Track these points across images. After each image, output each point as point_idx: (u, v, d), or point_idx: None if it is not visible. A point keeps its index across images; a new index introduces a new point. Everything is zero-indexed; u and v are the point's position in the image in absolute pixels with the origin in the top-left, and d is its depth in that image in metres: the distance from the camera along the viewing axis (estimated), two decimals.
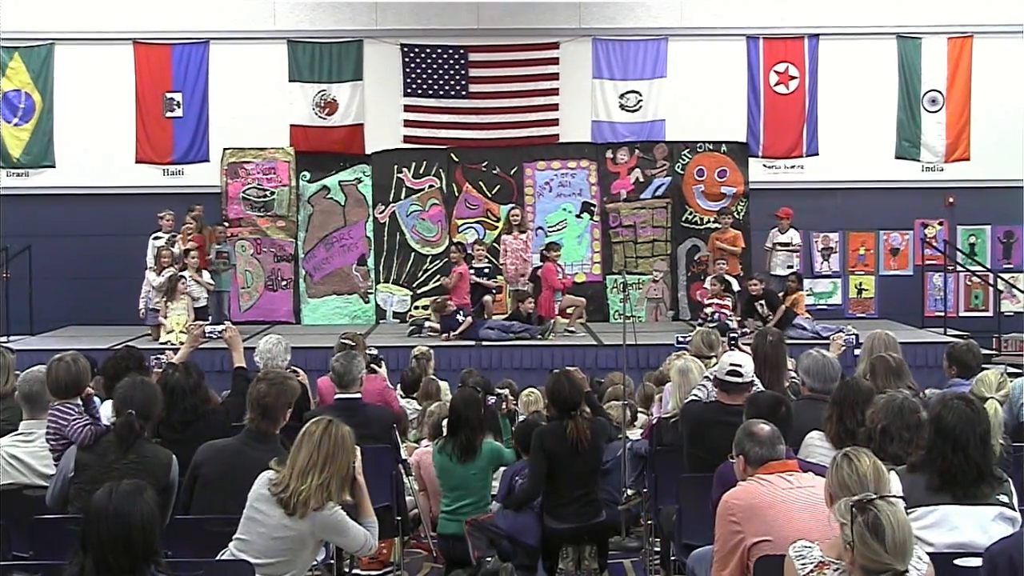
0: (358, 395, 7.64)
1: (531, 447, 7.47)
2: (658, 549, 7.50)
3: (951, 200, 17.88)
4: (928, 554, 4.47)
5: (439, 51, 17.78)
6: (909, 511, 4.70)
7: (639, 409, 10.01)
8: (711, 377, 6.97)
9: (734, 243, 16.73)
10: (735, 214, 17.38)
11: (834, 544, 4.04)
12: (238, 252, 17.53)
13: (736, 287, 16.03)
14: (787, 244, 16.71)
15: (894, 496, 4.02)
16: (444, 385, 11.23)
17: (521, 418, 9.58)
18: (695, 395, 7.13)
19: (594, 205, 17.99)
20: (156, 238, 15.79)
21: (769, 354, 7.61)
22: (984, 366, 7.88)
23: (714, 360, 7.58)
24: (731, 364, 6.67)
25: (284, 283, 17.73)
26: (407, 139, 17.94)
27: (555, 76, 17.86)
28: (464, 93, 17.81)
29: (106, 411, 6.42)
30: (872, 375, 7.08)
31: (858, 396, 5.92)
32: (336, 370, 7.61)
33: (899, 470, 5.00)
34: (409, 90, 17.83)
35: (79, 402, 6.32)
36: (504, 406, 7.89)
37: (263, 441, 5.71)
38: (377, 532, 5.26)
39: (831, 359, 7.10)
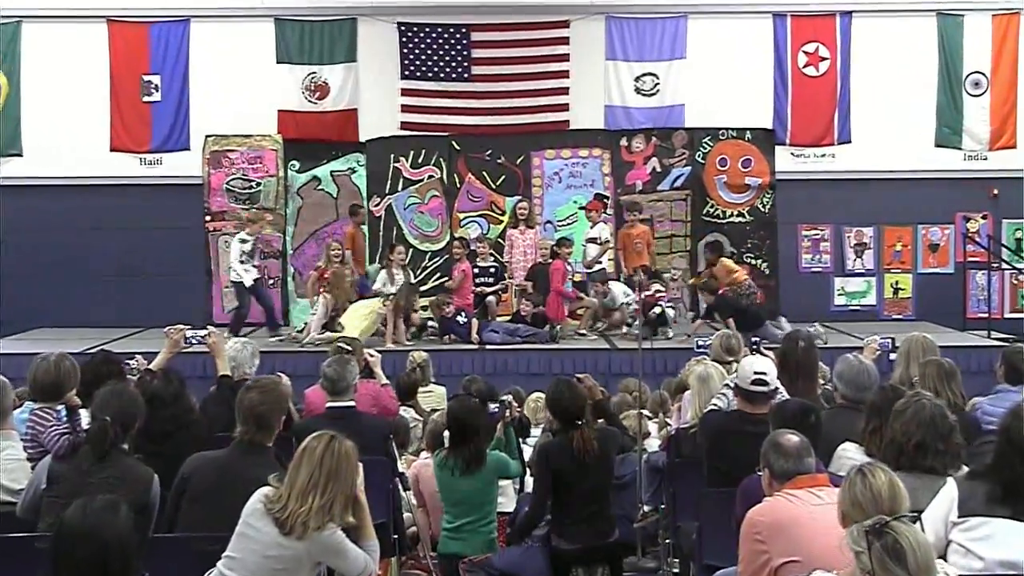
0: (351, 403, 7.67)
1: (535, 464, 7.48)
2: (677, 570, 7.51)
3: (995, 191, 17.86)
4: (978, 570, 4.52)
5: (439, 30, 17.79)
6: (961, 520, 4.76)
7: (647, 414, 10.01)
8: (731, 385, 6.99)
9: (646, 239, 16.64)
10: (642, 210, 17.26)
11: (851, 574, 4.07)
12: (222, 248, 17.58)
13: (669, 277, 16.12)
14: (595, 239, 16.47)
15: (909, 515, 4.06)
16: (441, 391, 11.29)
17: (536, 431, 9.61)
18: (714, 404, 7.15)
19: (607, 197, 17.97)
20: (243, 241, 15.53)
21: (801, 360, 7.62)
22: None
23: (734, 365, 7.58)
24: (755, 373, 6.67)
25: (271, 282, 17.67)
26: (404, 125, 17.94)
27: (565, 57, 17.86)
28: (466, 76, 17.81)
29: (86, 420, 6.43)
30: (921, 380, 7.08)
31: None
32: (328, 376, 7.63)
33: (958, 477, 5.06)
34: (407, 72, 17.83)
35: (59, 408, 6.35)
36: (508, 414, 7.87)
37: (256, 453, 5.73)
38: (378, 556, 5.28)
39: (867, 365, 7.10)
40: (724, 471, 6.42)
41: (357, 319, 14.81)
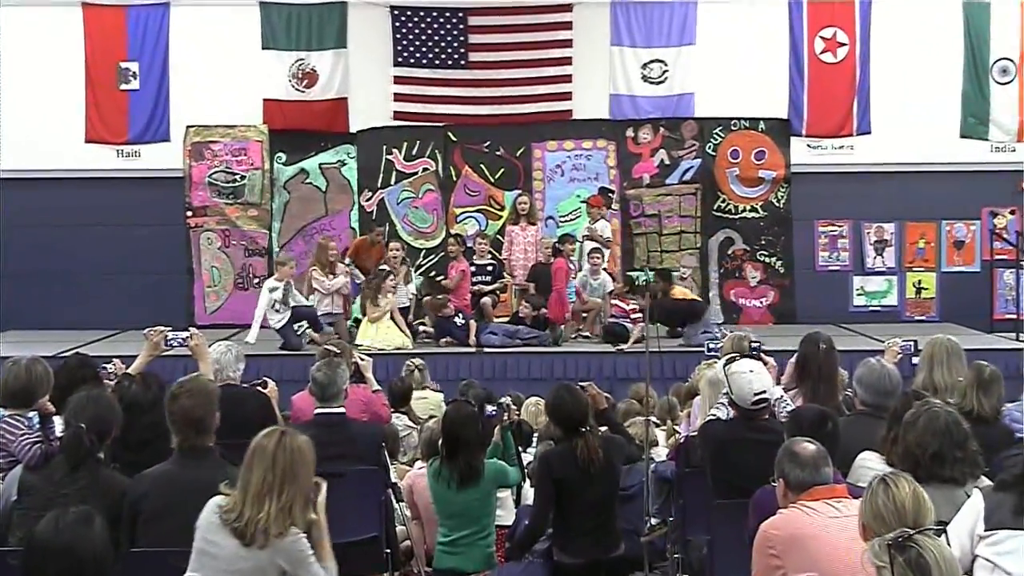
0: (341, 409, 7.67)
1: (535, 474, 7.47)
2: None
3: None
4: None
5: (434, 14, 17.76)
6: (988, 533, 4.77)
7: (655, 421, 10.01)
8: (728, 395, 6.97)
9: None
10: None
11: None
12: (204, 245, 17.60)
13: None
14: (597, 237, 16.45)
15: (934, 527, 4.05)
16: (438, 397, 11.29)
17: (536, 438, 9.61)
18: (713, 414, 7.16)
19: (613, 191, 17.95)
20: (272, 289, 14.99)
21: (824, 365, 7.65)
22: None
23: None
24: (756, 395, 6.65)
25: (256, 281, 17.68)
26: (397, 115, 17.94)
27: (568, 43, 17.86)
28: (463, 63, 17.80)
29: (59, 427, 6.43)
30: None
31: None
32: (318, 381, 7.62)
33: (984, 489, 5.07)
34: (400, 59, 17.82)
35: (31, 415, 6.34)
36: (506, 416, 7.86)
37: (202, 457, 5.71)
38: None
39: (889, 369, 7.11)
40: (730, 482, 6.43)
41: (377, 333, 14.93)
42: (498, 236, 17.40)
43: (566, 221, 17.90)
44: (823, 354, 7.72)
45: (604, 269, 16.06)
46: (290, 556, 4.92)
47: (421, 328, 15.77)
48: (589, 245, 16.23)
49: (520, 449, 8.53)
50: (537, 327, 15.41)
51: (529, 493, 8.37)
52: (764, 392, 6.68)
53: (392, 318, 15.10)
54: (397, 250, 15.96)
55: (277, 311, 14.88)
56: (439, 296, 15.69)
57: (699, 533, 6.89)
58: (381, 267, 15.42)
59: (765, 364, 7.45)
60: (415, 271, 16.93)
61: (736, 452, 6.50)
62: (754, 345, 8.56)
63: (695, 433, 7.79)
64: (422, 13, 17.76)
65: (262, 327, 14.87)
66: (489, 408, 7.90)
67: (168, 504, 5.56)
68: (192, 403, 5.77)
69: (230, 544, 4.88)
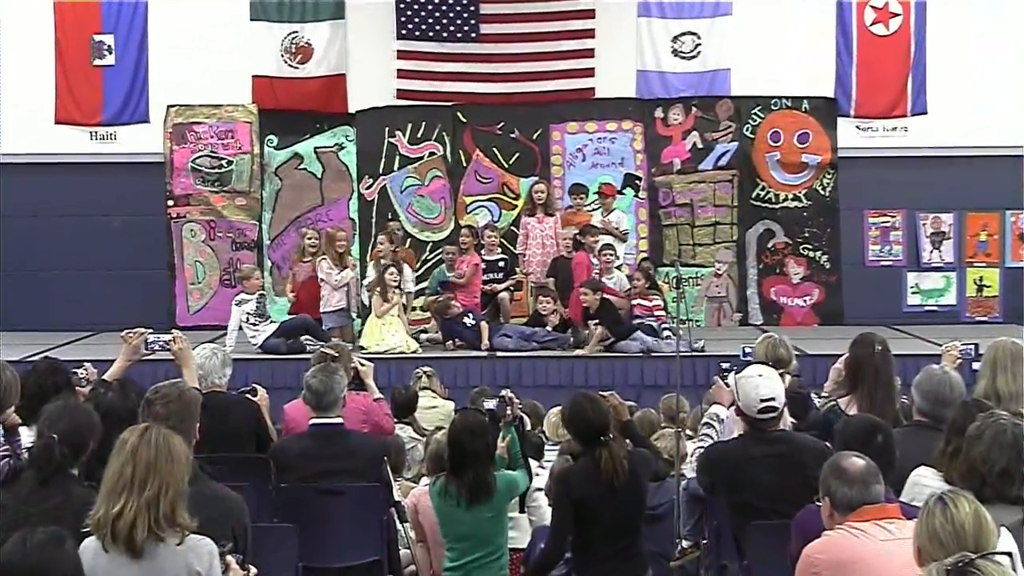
0: (339, 419, 7.67)
1: (553, 493, 7.45)
2: None
3: None
4: None
5: None
6: None
7: (688, 433, 10.02)
8: (718, 416, 6.97)
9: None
10: (587, 194, 17.27)
11: None
12: (187, 237, 17.62)
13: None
14: (614, 229, 16.57)
15: (999, 553, 4.04)
16: (450, 407, 11.29)
17: (553, 449, 9.61)
18: (702, 443, 7.18)
19: (640, 178, 17.97)
20: (242, 302, 15.07)
21: (880, 368, 7.63)
22: None
23: (786, 378, 7.54)
24: (762, 400, 6.61)
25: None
26: (401, 94, 17.95)
27: (591, 13, 17.84)
28: (474, 35, 17.78)
29: (27, 440, 6.43)
30: None
31: None
32: (313, 388, 7.63)
33: (1012, 526, 4.98)
34: (404, 31, 17.81)
35: None
36: (509, 411, 7.83)
37: None
38: None
39: (951, 376, 7.08)
40: (746, 505, 6.44)
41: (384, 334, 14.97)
42: (513, 228, 17.36)
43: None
44: (879, 357, 7.68)
45: (618, 268, 15.99)
46: (201, 557, 4.81)
47: (424, 336, 15.74)
48: (603, 241, 16.16)
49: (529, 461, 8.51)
50: (562, 331, 15.39)
51: (536, 498, 8.37)
52: (772, 399, 6.63)
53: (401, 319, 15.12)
54: (382, 243, 15.89)
55: (254, 325, 14.90)
56: (440, 298, 15.61)
57: (735, 557, 6.88)
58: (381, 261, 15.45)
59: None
60: (417, 267, 16.95)
61: (750, 471, 6.48)
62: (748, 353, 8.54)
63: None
64: None
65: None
66: (489, 403, 7.86)
67: None
68: (165, 412, 5.76)
69: (126, 571, 4.75)
